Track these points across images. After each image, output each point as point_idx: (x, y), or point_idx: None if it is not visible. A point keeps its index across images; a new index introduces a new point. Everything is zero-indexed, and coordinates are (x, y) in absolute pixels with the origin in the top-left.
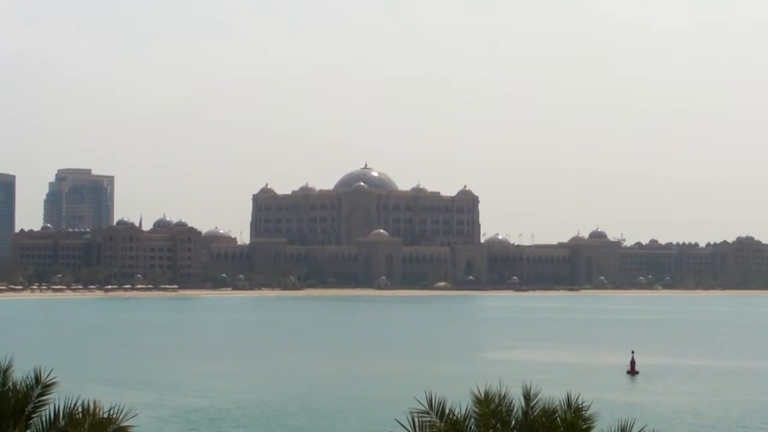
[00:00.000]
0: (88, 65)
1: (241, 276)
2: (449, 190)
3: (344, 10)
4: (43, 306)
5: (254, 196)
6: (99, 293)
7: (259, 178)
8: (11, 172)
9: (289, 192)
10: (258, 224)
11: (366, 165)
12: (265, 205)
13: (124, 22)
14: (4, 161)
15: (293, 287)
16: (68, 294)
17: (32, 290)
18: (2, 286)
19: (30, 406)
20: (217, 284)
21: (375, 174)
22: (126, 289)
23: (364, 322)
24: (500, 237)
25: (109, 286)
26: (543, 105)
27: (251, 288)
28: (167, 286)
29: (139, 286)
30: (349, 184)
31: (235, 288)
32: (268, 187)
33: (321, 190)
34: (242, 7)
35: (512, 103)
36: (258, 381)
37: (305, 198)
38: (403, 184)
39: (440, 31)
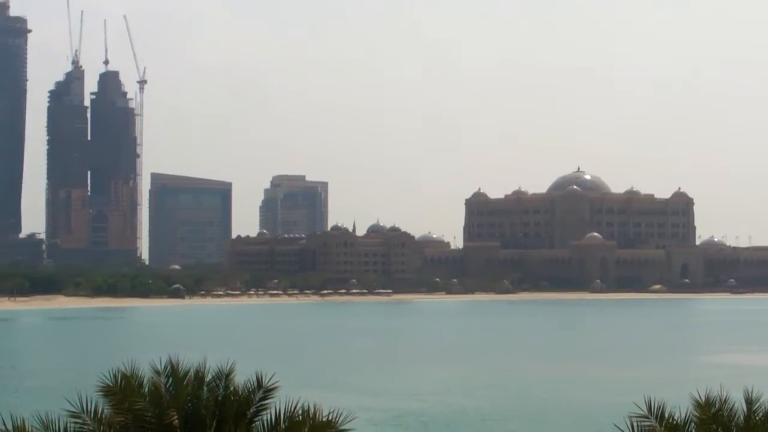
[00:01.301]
0: (300, 73)
1: (455, 280)
2: (663, 192)
3: (567, 10)
4: (261, 311)
5: (467, 200)
6: (315, 298)
7: (471, 183)
8: (228, 179)
9: (501, 196)
10: (471, 228)
11: (579, 168)
12: (478, 209)
13: (333, 25)
14: (222, 169)
15: (507, 291)
16: (284, 299)
17: (249, 295)
18: (220, 291)
19: (252, 410)
20: (431, 288)
21: (588, 177)
22: (341, 294)
23: (579, 326)
24: (716, 239)
25: (325, 291)
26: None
27: (465, 292)
28: (381, 291)
29: (354, 290)
30: (562, 187)
31: (449, 292)
32: (481, 191)
33: (534, 194)
34: (449, 7)
35: (725, 102)
36: (472, 385)
37: (518, 202)
38: (616, 186)
39: (656, 30)
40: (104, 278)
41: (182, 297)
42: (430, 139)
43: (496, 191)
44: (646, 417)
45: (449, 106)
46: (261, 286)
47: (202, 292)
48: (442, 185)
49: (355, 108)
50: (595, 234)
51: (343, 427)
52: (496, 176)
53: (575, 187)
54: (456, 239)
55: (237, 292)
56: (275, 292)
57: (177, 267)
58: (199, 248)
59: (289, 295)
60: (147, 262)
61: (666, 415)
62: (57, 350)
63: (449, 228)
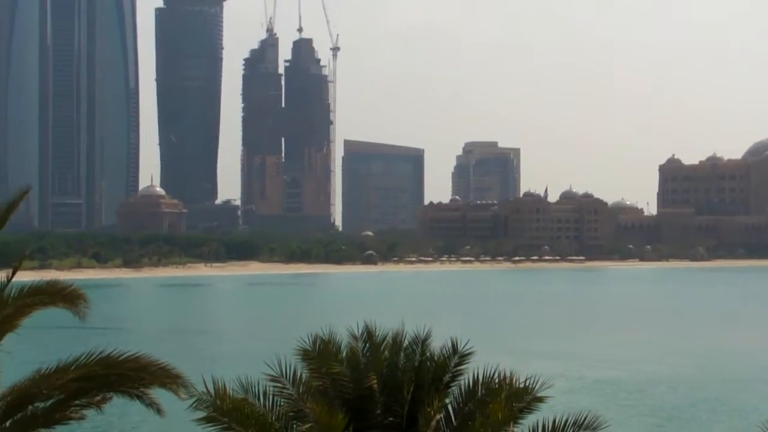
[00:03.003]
0: (495, 38)
1: (648, 247)
2: None
3: None
4: (453, 277)
5: (661, 166)
6: (507, 265)
7: (665, 148)
8: (420, 146)
9: (696, 162)
10: (665, 194)
11: None
12: (672, 175)
13: None
14: (414, 136)
15: (701, 258)
16: (476, 265)
17: (441, 262)
18: (413, 257)
19: (448, 376)
20: (624, 255)
21: None
22: (533, 261)
23: None
24: None
25: (517, 258)
26: None
27: (658, 259)
28: (574, 258)
29: (546, 257)
30: (758, 153)
31: (642, 259)
32: (675, 157)
33: (729, 160)
34: None
35: None
36: (665, 352)
37: (713, 168)
38: None
39: None
40: (298, 244)
41: (375, 263)
42: (623, 105)
43: (690, 157)
44: None
45: (642, 72)
46: (453, 253)
47: (395, 259)
48: (637, 150)
49: (549, 71)
50: None
51: (540, 394)
52: (690, 142)
53: None
54: (649, 205)
55: (429, 259)
56: (467, 258)
57: (370, 233)
58: (392, 214)
59: (481, 261)
60: (340, 229)
61: None
62: (252, 315)
63: (643, 194)
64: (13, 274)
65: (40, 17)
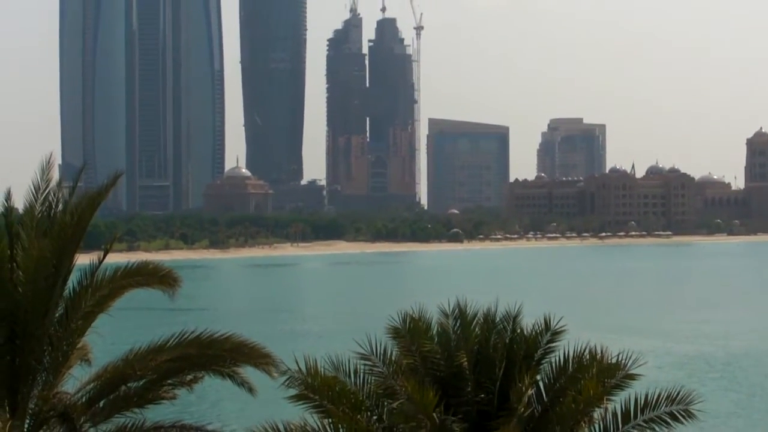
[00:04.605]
0: (581, 13)
1: (736, 221)
2: None
3: None
4: (540, 254)
5: (748, 140)
6: (593, 241)
7: (752, 122)
8: (505, 123)
9: None
10: (753, 168)
11: None
12: (760, 149)
13: None
14: (499, 113)
15: None
16: (563, 242)
17: (527, 239)
18: (498, 235)
19: (539, 352)
20: (711, 230)
21: None
22: (620, 237)
23: None
24: None
25: (603, 234)
26: None
27: (747, 233)
28: (661, 233)
29: (633, 233)
30: None
31: (730, 234)
32: (763, 130)
33: None
34: None
35: None
36: (758, 329)
37: None
38: None
39: None
40: (384, 223)
41: (461, 241)
42: (708, 78)
43: None
44: None
45: (731, 45)
46: (539, 230)
47: (481, 236)
48: (723, 124)
49: (634, 46)
50: None
51: (632, 371)
52: None
53: None
54: (737, 180)
55: (515, 236)
56: (553, 235)
57: (455, 211)
58: (477, 192)
59: (568, 238)
60: (425, 207)
61: None
62: (339, 294)
63: (731, 168)
64: (104, 256)
65: (126, 2)
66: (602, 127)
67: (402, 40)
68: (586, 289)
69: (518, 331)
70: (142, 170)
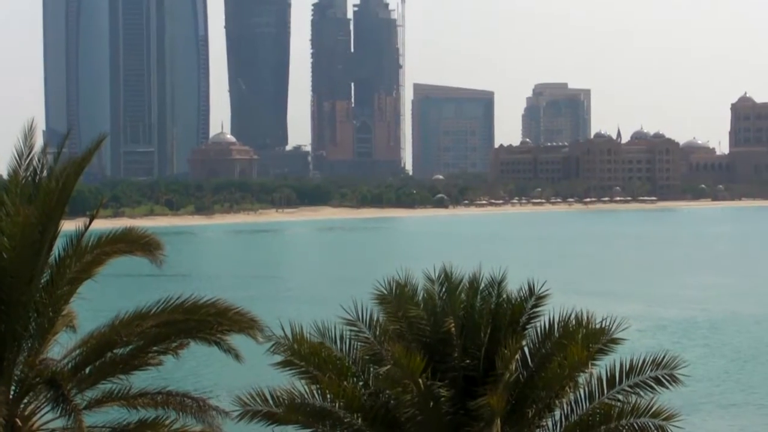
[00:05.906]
0: None
1: (721, 186)
2: None
3: None
4: (525, 219)
5: (733, 105)
6: (578, 206)
7: (737, 86)
8: (490, 89)
9: None
10: (737, 133)
11: None
12: (744, 114)
13: None
14: (484, 78)
15: None
16: (548, 207)
17: (512, 204)
18: (484, 200)
19: (524, 317)
20: (696, 195)
21: None
22: (605, 202)
23: None
24: None
25: (588, 199)
26: None
27: (731, 199)
28: (646, 198)
29: (618, 198)
30: None
31: (715, 199)
32: (747, 95)
33: None
34: None
35: None
36: (742, 293)
37: None
38: None
39: None
40: (369, 189)
41: (446, 207)
42: (693, 46)
43: (763, 95)
44: None
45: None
46: (524, 195)
47: (466, 202)
48: (707, 89)
49: (617, 11)
50: None
51: (616, 335)
52: (763, 80)
53: None
54: (721, 145)
55: (500, 201)
56: (538, 200)
57: (440, 177)
58: (462, 158)
59: (552, 203)
60: (411, 173)
61: None
62: (325, 260)
63: (715, 133)
64: (90, 223)
65: None
66: (587, 92)
67: (387, 5)
68: (569, 254)
69: (503, 296)
70: (126, 136)
